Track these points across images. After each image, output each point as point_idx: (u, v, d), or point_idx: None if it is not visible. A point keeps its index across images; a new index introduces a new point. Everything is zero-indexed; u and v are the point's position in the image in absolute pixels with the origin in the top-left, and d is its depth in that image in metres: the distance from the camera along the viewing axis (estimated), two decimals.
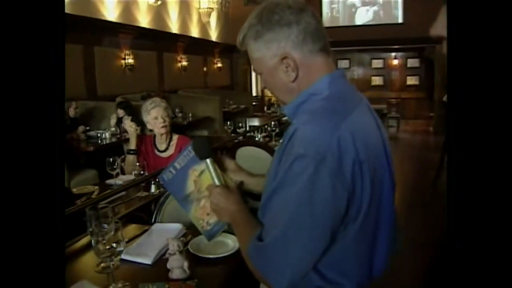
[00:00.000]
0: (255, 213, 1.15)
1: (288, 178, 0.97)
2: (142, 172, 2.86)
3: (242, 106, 9.26)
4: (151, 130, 3.10)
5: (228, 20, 12.00)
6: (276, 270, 1.00)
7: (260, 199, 1.13)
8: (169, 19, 8.91)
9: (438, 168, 5.99)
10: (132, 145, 3.11)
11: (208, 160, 1.27)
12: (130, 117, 4.96)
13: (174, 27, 9.07)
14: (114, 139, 5.16)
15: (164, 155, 3.09)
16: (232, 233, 1.54)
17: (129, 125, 3.21)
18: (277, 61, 1.08)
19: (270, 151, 3.36)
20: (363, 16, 12.23)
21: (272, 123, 4.52)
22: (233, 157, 3.36)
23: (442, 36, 0.72)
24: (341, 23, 12.18)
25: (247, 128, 5.20)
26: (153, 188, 2.75)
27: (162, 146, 3.09)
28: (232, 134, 4.69)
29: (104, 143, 5.00)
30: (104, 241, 1.36)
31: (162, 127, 2.99)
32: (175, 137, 3.11)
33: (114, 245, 1.34)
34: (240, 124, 4.87)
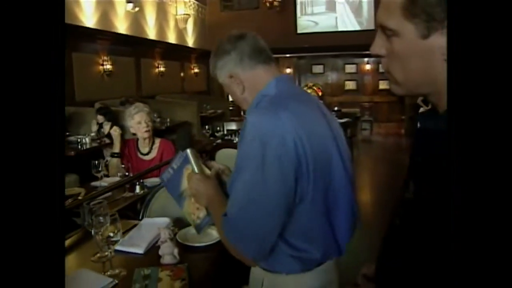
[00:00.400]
0: None
1: (243, 162, 1.18)
2: (126, 173, 3.00)
3: (219, 111, 9.38)
4: (134, 134, 3.22)
5: (205, 26, 12.16)
6: (242, 240, 1.19)
7: None
8: (146, 26, 9.01)
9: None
10: (116, 148, 3.24)
11: (188, 150, 1.46)
12: (110, 123, 5.07)
13: (151, 33, 9.18)
14: (94, 144, 5.24)
15: (146, 158, 3.23)
16: None
17: (114, 130, 3.34)
18: (228, 80, 1.38)
19: None
20: (336, 23, 12.51)
21: None
22: (212, 158, 3.52)
23: (380, 54, 0.87)
24: (315, 29, 12.44)
25: (225, 132, 5.36)
26: (137, 189, 2.89)
27: (145, 150, 3.23)
28: (211, 138, 4.84)
29: (84, 148, 5.08)
30: (100, 233, 1.51)
31: (146, 131, 3.13)
32: (158, 141, 3.25)
33: (111, 234, 1.49)
34: (218, 128, 5.03)
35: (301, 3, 12.46)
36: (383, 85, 14.06)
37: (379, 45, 0.84)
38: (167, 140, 3.37)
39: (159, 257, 1.60)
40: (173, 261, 1.56)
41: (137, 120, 3.11)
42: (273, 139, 1.14)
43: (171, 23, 10.23)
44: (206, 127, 5.15)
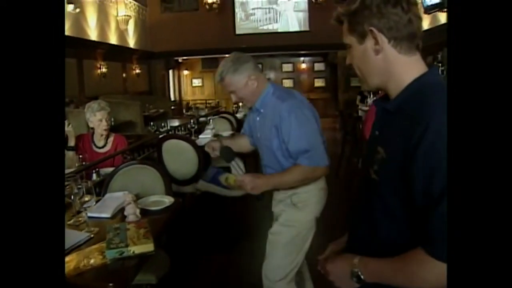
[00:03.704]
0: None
1: (290, 125, 2.05)
2: (83, 163, 3.36)
3: (161, 110, 9.65)
4: (92, 128, 3.58)
5: (145, 28, 12.41)
6: (316, 159, 2.08)
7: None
8: (87, 27, 9.15)
9: (339, 158, 6.86)
10: (71, 142, 3.58)
11: (233, 162, 2.15)
12: None
13: (93, 34, 9.33)
14: None
15: (101, 150, 3.60)
16: (169, 194, 2.24)
17: (66, 125, 3.67)
18: (247, 79, 2.14)
19: (191, 142, 4.00)
20: (274, 24, 13.10)
21: (192, 121, 5.16)
22: (159, 149, 3.95)
23: (351, 63, 1.20)
24: (253, 30, 12.96)
25: (169, 127, 5.76)
26: (94, 176, 3.26)
27: (100, 143, 3.60)
28: (156, 132, 5.24)
29: None
30: (79, 198, 1.94)
31: (105, 129, 3.52)
32: (112, 136, 3.65)
33: (87, 198, 1.93)
34: (162, 125, 5.45)
35: (241, 4, 12.97)
36: (318, 82, 14.93)
37: (348, 58, 1.21)
38: (121, 135, 3.77)
39: (124, 218, 2.04)
40: (136, 219, 2.01)
41: (99, 118, 3.48)
42: (301, 107, 2.09)
43: (112, 24, 10.41)
44: (151, 123, 5.55)
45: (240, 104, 10.92)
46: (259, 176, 2.13)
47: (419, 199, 0.98)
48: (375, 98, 7.30)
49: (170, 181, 2.66)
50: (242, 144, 2.52)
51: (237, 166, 2.15)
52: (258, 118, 2.25)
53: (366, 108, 8.18)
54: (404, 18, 1.05)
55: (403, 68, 1.09)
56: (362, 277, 1.10)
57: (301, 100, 2.15)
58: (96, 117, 3.48)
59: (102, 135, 3.56)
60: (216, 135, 4.95)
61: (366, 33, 1.09)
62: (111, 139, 3.63)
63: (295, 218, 2.24)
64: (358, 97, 9.88)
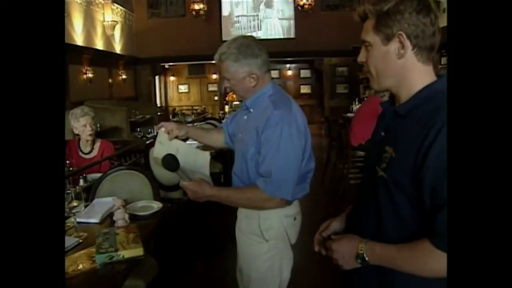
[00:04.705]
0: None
1: (272, 138, 1.75)
2: (70, 169, 3.37)
3: (148, 116, 9.63)
4: (77, 135, 3.59)
5: (132, 33, 12.39)
6: (280, 188, 1.76)
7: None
8: (74, 32, 9.10)
9: (325, 165, 6.91)
10: None
11: (178, 171, 1.84)
12: None
13: (79, 40, 9.28)
14: None
15: (88, 156, 3.61)
16: (157, 200, 2.27)
17: None
18: (246, 74, 1.85)
19: None
20: (258, 31, 13.16)
21: None
22: (146, 155, 3.96)
23: (363, 61, 1.23)
24: None
25: (156, 133, 5.76)
26: (81, 182, 3.26)
27: (86, 149, 3.61)
28: (143, 138, 5.25)
29: None
30: (68, 203, 1.96)
31: (90, 134, 3.53)
32: (98, 141, 3.66)
33: (75, 204, 1.94)
34: (149, 130, 5.45)
35: (227, 11, 13.02)
36: (304, 89, 15.01)
37: (362, 55, 1.23)
38: (107, 141, 3.77)
39: (113, 223, 2.06)
40: (125, 224, 2.03)
41: (83, 123, 3.48)
42: (292, 123, 1.77)
43: (99, 30, 10.37)
44: (138, 129, 5.56)
45: (227, 110, 11.01)
46: (204, 185, 1.83)
47: (427, 194, 1.04)
48: (359, 105, 7.25)
49: (158, 187, 2.68)
50: (215, 138, 2.23)
51: (183, 175, 1.86)
52: (245, 117, 1.98)
53: (352, 115, 8.29)
54: (430, 30, 1.12)
55: (417, 75, 1.16)
56: (367, 259, 1.17)
57: (295, 116, 1.82)
58: (80, 123, 3.49)
59: (87, 140, 3.57)
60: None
61: (393, 36, 1.14)
62: (97, 144, 3.64)
63: (262, 251, 1.94)
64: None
